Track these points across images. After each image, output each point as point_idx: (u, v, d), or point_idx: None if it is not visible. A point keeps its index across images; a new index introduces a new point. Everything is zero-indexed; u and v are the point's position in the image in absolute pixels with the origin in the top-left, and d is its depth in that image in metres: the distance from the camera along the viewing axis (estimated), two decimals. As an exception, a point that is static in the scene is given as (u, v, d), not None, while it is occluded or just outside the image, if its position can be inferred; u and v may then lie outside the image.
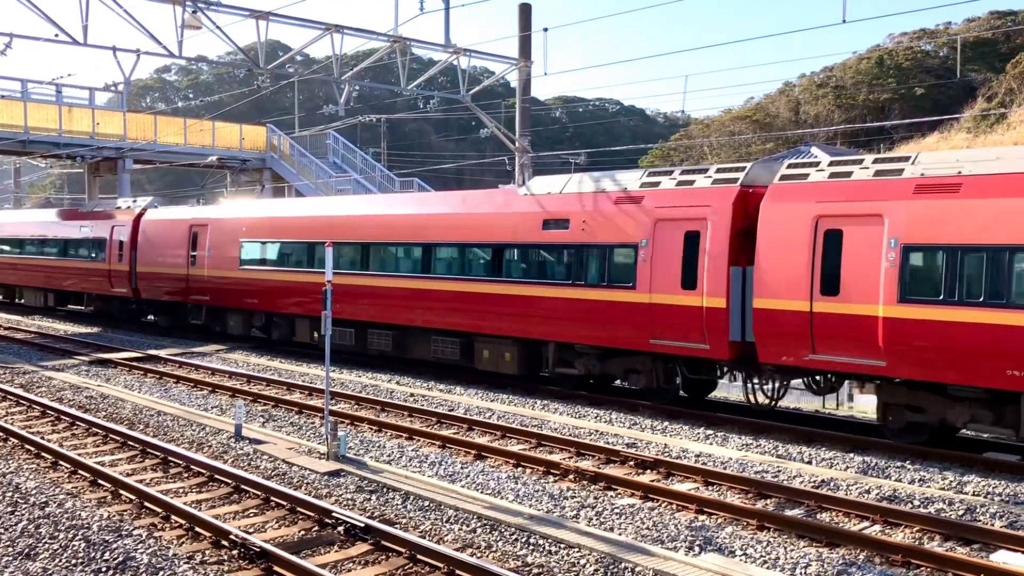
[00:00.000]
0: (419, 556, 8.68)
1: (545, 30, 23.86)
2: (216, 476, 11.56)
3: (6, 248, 37.08)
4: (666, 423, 15.03)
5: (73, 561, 8.58)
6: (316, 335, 21.98)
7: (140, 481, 11.31)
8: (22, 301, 37.26)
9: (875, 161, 13.83)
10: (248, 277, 23.99)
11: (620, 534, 9.54)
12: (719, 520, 10.14)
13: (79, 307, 34.13)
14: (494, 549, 9.09)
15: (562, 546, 9.09)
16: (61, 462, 12.26)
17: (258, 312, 24.34)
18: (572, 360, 17.19)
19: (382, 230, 20.57)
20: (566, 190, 17.36)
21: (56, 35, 20.61)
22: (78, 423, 14.81)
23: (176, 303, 27.47)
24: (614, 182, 16.69)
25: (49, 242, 33.51)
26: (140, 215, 28.76)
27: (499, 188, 28.74)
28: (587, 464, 12.37)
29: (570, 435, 14.07)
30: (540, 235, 17.25)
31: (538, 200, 17.66)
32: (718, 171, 15.46)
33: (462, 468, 12.23)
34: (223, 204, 26.65)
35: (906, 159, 13.49)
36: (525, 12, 23.94)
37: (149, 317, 30.46)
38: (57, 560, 8.63)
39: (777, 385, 15.12)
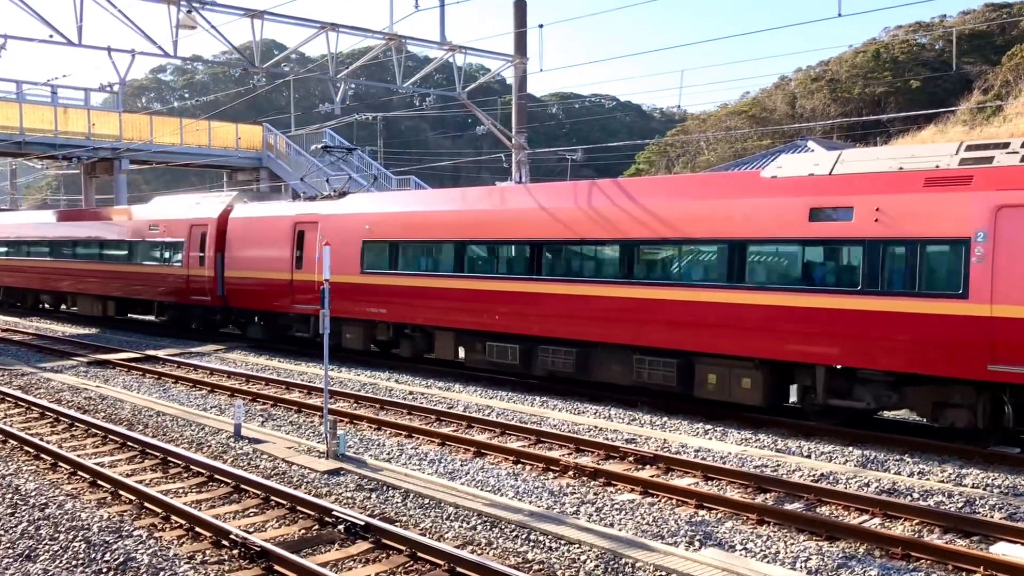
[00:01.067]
0: (420, 554, 8.69)
1: (540, 26, 23.86)
2: (216, 476, 11.55)
3: (56, 251, 33.08)
4: (665, 419, 15.04)
5: (73, 562, 8.58)
6: (462, 351, 19.40)
7: (140, 482, 11.31)
8: (74, 309, 33.27)
9: None
10: (373, 283, 20.54)
11: (620, 530, 9.55)
12: (719, 515, 10.15)
13: (147, 317, 30.42)
14: (494, 546, 9.10)
15: (562, 542, 9.10)
16: (60, 463, 12.25)
17: (383, 323, 20.76)
18: (849, 389, 13.66)
19: (561, 226, 17.11)
20: (844, 169, 13.84)
21: (51, 36, 20.60)
22: (77, 424, 14.80)
23: (274, 313, 23.68)
24: (916, 158, 13.33)
25: (110, 244, 29.75)
26: (226, 212, 25.24)
27: (732, 171, 26.12)
28: (586, 460, 12.37)
29: (569, 431, 14.08)
30: (804, 228, 13.71)
31: (797, 183, 14.18)
32: None
33: (462, 465, 12.24)
34: (339, 199, 22.26)
35: None
36: (520, 9, 23.93)
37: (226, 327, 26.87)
38: (57, 561, 8.63)
39: None
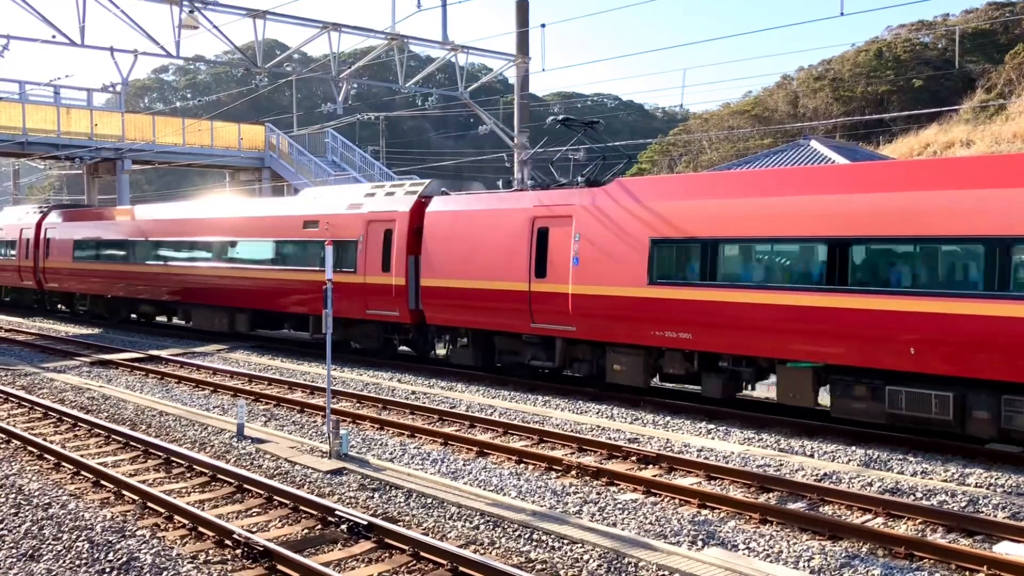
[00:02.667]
0: (422, 553, 8.69)
1: (543, 26, 23.88)
2: (219, 476, 11.56)
3: (159, 254, 27.64)
4: (668, 418, 15.03)
5: (77, 562, 8.59)
6: (825, 395, 14.32)
7: (143, 482, 11.32)
8: (184, 322, 28.91)
9: None
10: (670, 297, 15.30)
11: (623, 529, 9.55)
12: (722, 514, 10.15)
13: (299, 334, 24.71)
14: (497, 546, 9.10)
15: (565, 542, 9.10)
16: (64, 463, 12.27)
17: (678, 351, 15.61)
18: None
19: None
20: None
21: (53, 36, 20.63)
22: (80, 424, 14.82)
23: (494, 333, 18.72)
24: None
25: (244, 246, 24.69)
26: (420, 205, 20.01)
27: None
28: (589, 460, 12.37)
29: (572, 431, 14.08)
30: None
31: None
32: None
33: (464, 465, 12.24)
34: (599, 185, 17.16)
35: None
36: (523, 8, 23.94)
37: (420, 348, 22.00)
38: (61, 561, 8.64)
39: None
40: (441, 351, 21.34)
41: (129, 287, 29.13)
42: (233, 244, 24.80)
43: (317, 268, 21.37)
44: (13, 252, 35.36)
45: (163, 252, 27.39)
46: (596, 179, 17.61)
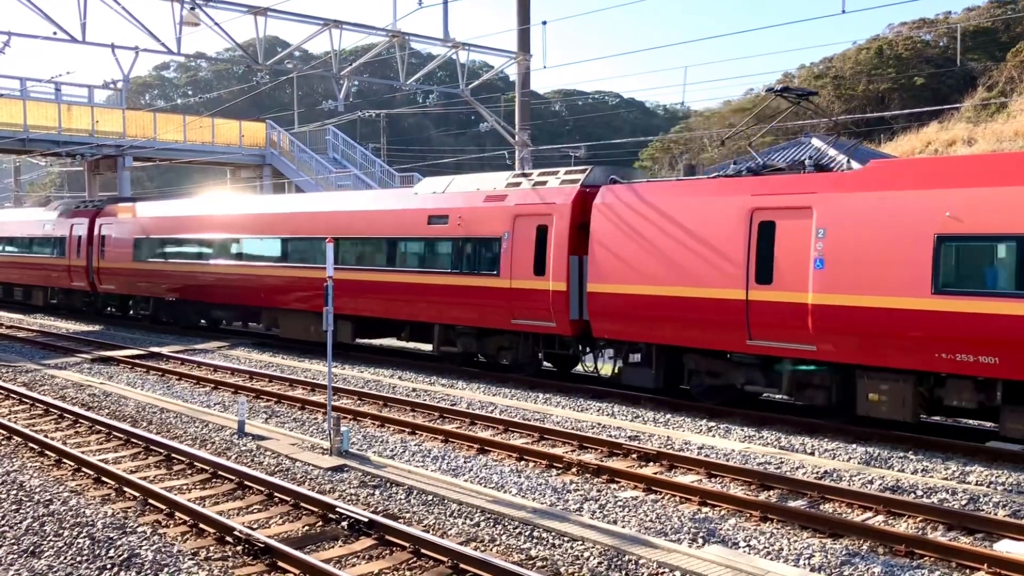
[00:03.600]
0: (423, 550, 8.70)
1: (544, 23, 23.89)
2: (219, 473, 11.58)
3: (247, 252, 24.47)
4: (668, 416, 15.03)
5: (78, 558, 8.60)
6: None
7: (144, 478, 11.33)
8: (266, 329, 25.97)
9: None
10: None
11: (623, 527, 9.56)
12: (722, 512, 10.15)
13: (414, 345, 22.89)
14: (498, 543, 9.10)
15: (566, 539, 9.11)
16: (65, 460, 12.28)
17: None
18: None
19: None
20: None
21: (54, 33, 20.62)
22: (81, 421, 14.83)
23: (687, 351, 15.53)
24: None
25: (353, 244, 21.38)
26: (584, 195, 16.92)
27: None
28: (590, 457, 12.38)
29: (573, 428, 14.08)
30: None
31: None
32: None
33: (465, 462, 12.25)
34: (854, 170, 14.15)
35: None
36: (524, 5, 23.93)
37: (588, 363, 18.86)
38: (62, 557, 8.65)
39: None
40: (597, 367, 18.05)
41: (202, 290, 26.17)
42: (335, 243, 21.70)
43: (447, 270, 18.76)
44: (62, 250, 32.16)
45: (246, 251, 24.35)
46: (819, 164, 14.81)
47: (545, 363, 19.51)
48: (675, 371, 15.95)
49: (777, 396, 15.42)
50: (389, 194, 22.61)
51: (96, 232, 30.59)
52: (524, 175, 18.60)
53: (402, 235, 20.04)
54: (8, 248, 36.58)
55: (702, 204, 15.01)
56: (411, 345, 23.53)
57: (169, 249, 27.30)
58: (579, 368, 19.43)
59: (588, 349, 17.92)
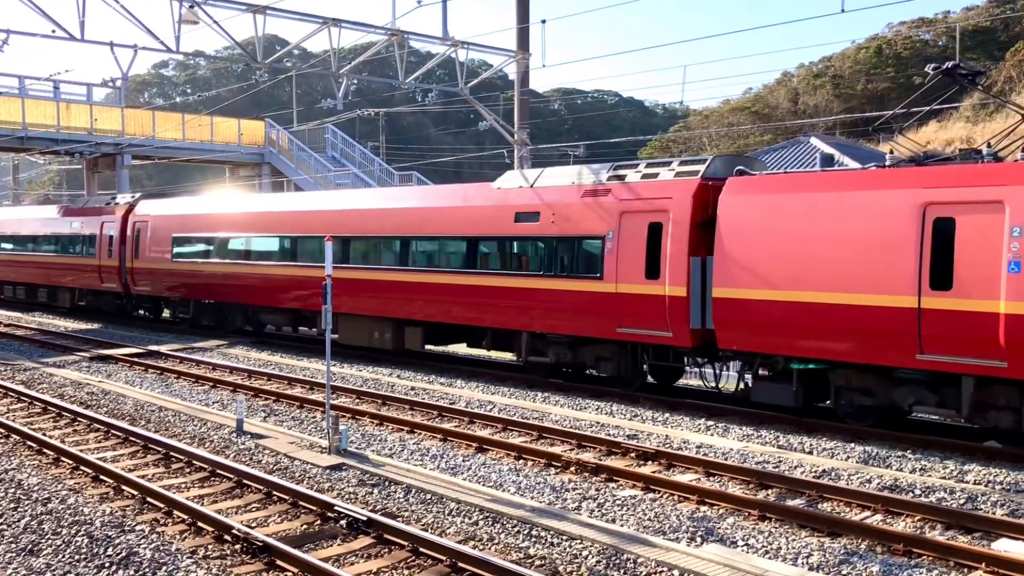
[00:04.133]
0: (421, 549, 8.70)
1: (543, 22, 23.87)
2: (218, 471, 11.57)
3: (303, 251, 22.68)
4: (667, 414, 15.04)
5: (76, 557, 8.60)
6: None
7: (142, 477, 11.33)
8: (319, 334, 23.04)
9: None
10: None
11: (622, 525, 9.56)
12: (720, 511, 10.16)
13: (496, 354, 21.60)
14: (496, 541, 9.11)
15: (564, 538, 9.11)
16: (63, 458, 12.27)
17: None
18: None
19: None
20: None
21: (53, 31, 20.59)
22: (79, 419, 14.82)
23: (835, 365, 13.75)
24: None
25: (428, 244, 19.77)
26: (704, 188, 15.25)
27: None
28: (588, 456, 12.38)
29: (571, 427, 14.09)
30: None
31: None
32: None
33: (464, 461, 12.25)
34: None
35: None
36: (523, 4, 23.91)
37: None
38: (60, 556, 8.65)
39: None
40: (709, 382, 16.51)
41: (250, 292, 24.23)
42: (405, 243, 19.92)
43: (539, 273, 17.08)
44: (91, 249, 30.32)
45: (303, 250, 22.61)
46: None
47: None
48: (816, 387, 14.33)
49: (948, 420, 13.94)
50: (464, 189, 20.48)
51: (130, 230, 28.66)
52: (630, 166, 16.88)
53: (484, 234, 18.29)
54: (32, 247, 34.85)
55: (859, 198, 13.13)
56: (481, 352, 22.38)
57: (213, 248, 25.37)
58: (683, 382, 18.17)
59: (706, 361, 16.20)
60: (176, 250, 26.77)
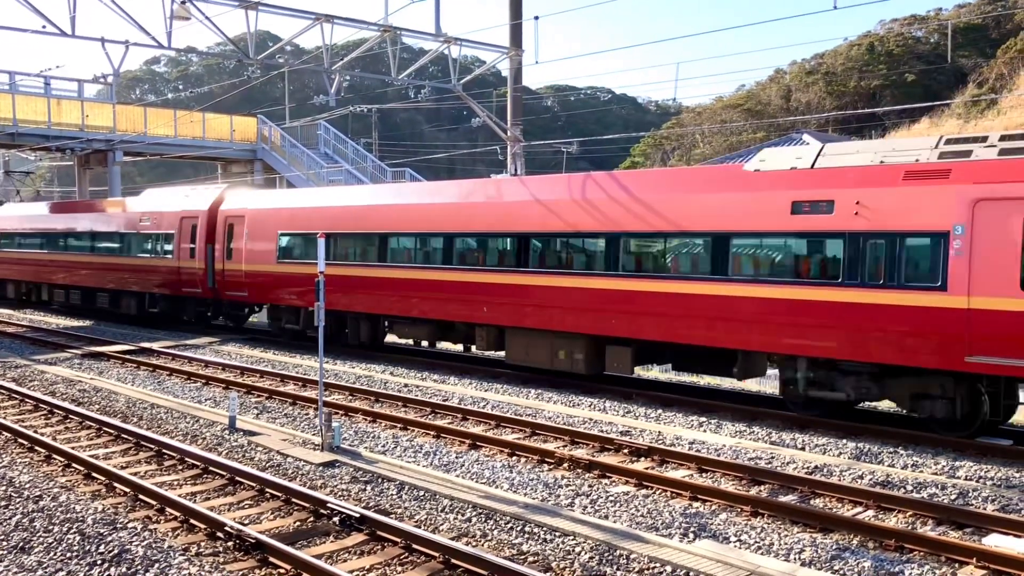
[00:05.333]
0: (414, 546, 8.69)
1: (536, 18, 23.79)
2: (210, 468, 11.55)
3: (467, 251, 18.96)
4: (660, 411, 15.06)
5: (68, 554, 8.57)
6: None
7: (134, 474, 11.30)
8: (480, 350, 19.36)
9: None
10: None
11: (615, 522, 9.57)
12: (713, 507, 10.18)
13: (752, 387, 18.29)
14: (489, 538, 9.11)
15: (557, 534, 9.12)
16: (55, 455, 12.24)
17: None
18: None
19: None
20: None
21: (43, 27, 20.50)
22: (71, 416, 14.78)
23: None
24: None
25: (651, 243, 15.96)
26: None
27: None
28: (581, 452, 12.39)
29: (564, 424, 14.10)
30: None
31: None
32: None
33: (457, 458, 12.25)
34: None
35: None
36: (516, 1, 23.86)
37: None
38: (52, 553, 8.62)
39: None
40: None
41: (385, 300, 20.34)
42: (612, 241, 16.13)
43: (837, 282, 13.32)
44: (167, 248, 26.44)
45: (462, 250, 18.90)
46: None
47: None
48: None
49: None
50: (694, 173, 17.04)
51: (220, 227, 24.73)
52: (976, 140, 13.06)
53: (740, 230, 14.45)
54: (91, 247, 30.53)
55: None
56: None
57: (337, 249, 21.45)
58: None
59: None
60: (283, 251, 22.83)
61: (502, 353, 18.65)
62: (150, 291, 27.75)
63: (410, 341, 21.83)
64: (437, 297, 19.12)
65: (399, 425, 14.28)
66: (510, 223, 17.85)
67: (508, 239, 18.03)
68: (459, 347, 21.51)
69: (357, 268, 20.88)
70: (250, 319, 27.95)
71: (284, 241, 22.90)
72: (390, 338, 23.21)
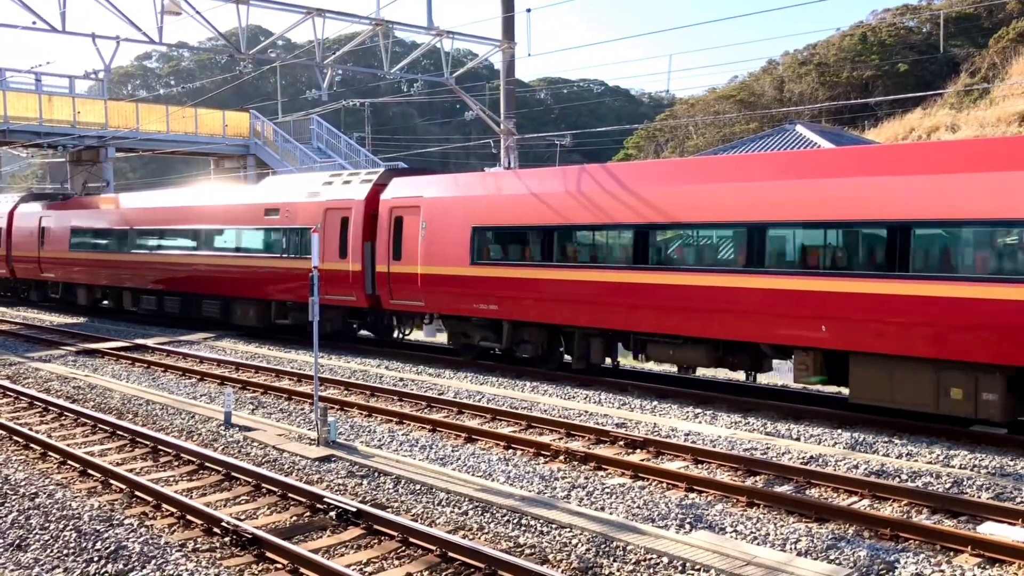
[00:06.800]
0: (411, 539, 8.70)
1: (528, 11, 23.76)
2: (206, 464, 11.54)
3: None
4: (655, 402, 15.08)
5: (64, 551, 8.56)
6: None
7: (130, 470, 11.28)
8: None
9: None
10: None
11: (611, 513, 9.59)
12: (709, 498, 10.20)
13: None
14: (486, 531, 9.12)
15: (554, 526, 9.13)
16: (50, 453, 12.21)
17: None
18: None
19: None
20: None
21: (34, 23, 20.41)
22: (66, 413, 14.75)
23: None
24: None
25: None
26: None
27: None
28: (577, 445, 12.41)
29: (560, 416, 14.11)
30: None
31: None
32: None
33: (453, 451, 12.26)
34: None
35: None
36: (508, -7, 23.79)
37: None
38: (48, 550, 8.61)
39: None
40: None
41: (639, 315, 15.67)
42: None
43: None
44: (304, 248, 21.75)
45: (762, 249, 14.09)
46: None
47: None
48: None
49: None
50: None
51: (384, 220, 19.95)
52: None
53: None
54: (197, 243, 25.43)
55: None
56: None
57: (565, 247, 16.93)
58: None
59: None
60: (485, 246, 18.17)
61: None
62: (277, 299, 23.00)
63: (651, 364, 17.49)
64: (743, 311, 14.17)
65: (395, 419, 14.28)
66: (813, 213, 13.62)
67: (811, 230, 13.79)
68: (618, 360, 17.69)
69: (600, 272, 16.18)
70: (407, 334, 23.07)
71: (483, 237, 18.18)
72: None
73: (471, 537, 8.92)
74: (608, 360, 17.32)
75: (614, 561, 8.25)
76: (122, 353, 21.13)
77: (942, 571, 7.98)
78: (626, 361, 17.67)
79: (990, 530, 8.95)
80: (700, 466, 11.48)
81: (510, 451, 12.35)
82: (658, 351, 15.94)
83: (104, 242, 29.26)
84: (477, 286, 18.04)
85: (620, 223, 15.93)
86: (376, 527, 9.06)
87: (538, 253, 17.23)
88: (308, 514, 9.67)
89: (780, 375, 17.29)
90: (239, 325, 24.64)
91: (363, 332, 23.16)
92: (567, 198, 16.82)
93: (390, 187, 20.37)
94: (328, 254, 20.57)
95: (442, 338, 23.19)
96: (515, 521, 9.33)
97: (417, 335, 24.18)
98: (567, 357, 17.94)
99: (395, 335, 22.56)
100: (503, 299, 17.66)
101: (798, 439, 12.65)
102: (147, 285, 27.62)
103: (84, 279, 30.63)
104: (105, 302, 31.22)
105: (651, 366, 18.45)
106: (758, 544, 8.70)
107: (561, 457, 11.83)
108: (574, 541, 8.72)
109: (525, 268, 17.35)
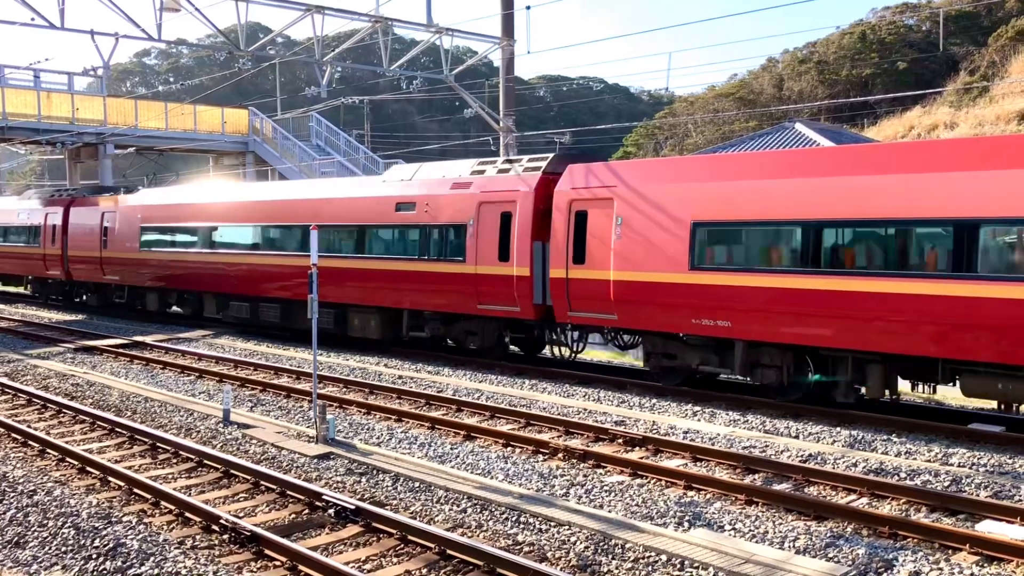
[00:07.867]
0: (410, 537, 8.70)
1: (528, 8, 23.74)
2: (205, 461, 11.54)
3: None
4: (654, 400, 15.08)
5: (63, 548, 8.56)
6: None
7: (129, 467, 11.28)
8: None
9: None
10: None
11: (610, 511, 9.59)
12: (708, 496, 10.20)
13: None
14: (485, 528, 9.12)
15: (552, 524, 9.13)
16: (49, 450, 12.21)
17: None
18: None
19: None
20: None
21: (32, 19, 20.40)
22: (65, 411, 14.74)
23: None
24: None
25: None
26: None
27: None
28: (576, 442, 12.41)
29: (559, 414, 14.11)
30: None
31: None
32: None
33: (452, 449, 12.25)
34: None
35: None
36: (507, -10, 23.77)
37: None
38: (47, 547, 8.61)
39: None
40: None
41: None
42: None
43: None
44: (452, 245, 18.56)
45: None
46: None
47: None
48: None
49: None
50: None
51: (560, 215, 16.67)
52: None
53: None
54: (304, 242, 20.99)
55: None
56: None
57: (789, 248, 13.79)
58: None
59: None
60: (712, 250, 14.69)
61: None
62: (412, 307, 19.80)
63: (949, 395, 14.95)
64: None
65: (394, 417, 14.28)
66: None
67: None
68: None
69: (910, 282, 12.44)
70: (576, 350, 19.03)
71: (709, 236, 14.67)
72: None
73: (470, 535, 8.92)
74: (887, 392, 13.54)
75: (613, 559, 8.25)
76: (121, 350, 21.12)
77: (940, 569, 7.99)
78: (912, 394, 14.69)
79: (988, 528, 8.96)
80: (699, 464, 11.48)
81: (509, 449, 12.36)
82: (977, 384, 12.35)
83: (186, 239, 25.66)
84: (698, 297, 14.56)
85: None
86: (375, 525, 9.06)
87: (800, 257, 13.54)
88: (307, 511, 9.67)
89: None
90: (352, 338, 21.23)
91: (512, 348, 19.47)
92: (835, 188, 13.12)
93: (567, 175, 16.86)
94: (483, 256, 17.69)
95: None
96: (514, 519, 9.33)
97: (589, 354, 20.16)
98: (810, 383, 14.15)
99: (567, 354, 18.67)
100: (739, 313, 14.13)
101: (797, 437, 12.66)
102: (236, 290, 23.95)
103: (157, 282, 27.22)
104: (177, 308, 27.80)
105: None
106: (757, 542, 8.70)
107: (560, 455, 11.83)
108: (573, 539, 8.72)
109: (776, 276, 13.67)
